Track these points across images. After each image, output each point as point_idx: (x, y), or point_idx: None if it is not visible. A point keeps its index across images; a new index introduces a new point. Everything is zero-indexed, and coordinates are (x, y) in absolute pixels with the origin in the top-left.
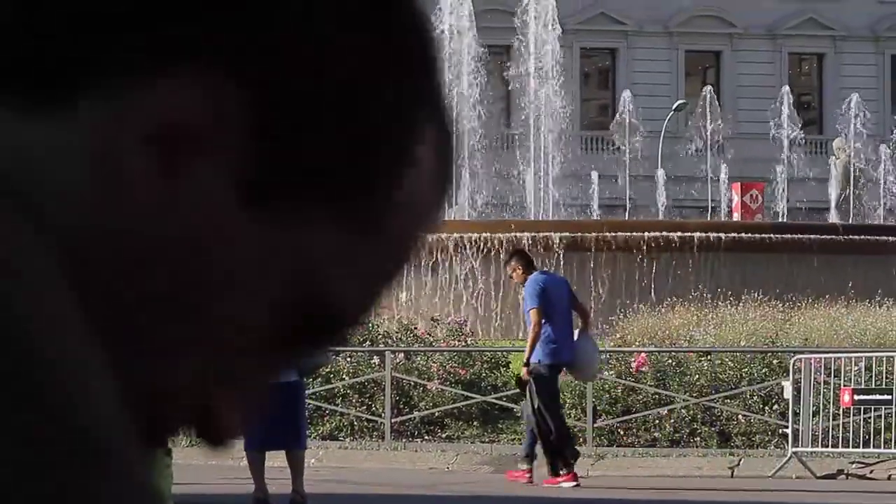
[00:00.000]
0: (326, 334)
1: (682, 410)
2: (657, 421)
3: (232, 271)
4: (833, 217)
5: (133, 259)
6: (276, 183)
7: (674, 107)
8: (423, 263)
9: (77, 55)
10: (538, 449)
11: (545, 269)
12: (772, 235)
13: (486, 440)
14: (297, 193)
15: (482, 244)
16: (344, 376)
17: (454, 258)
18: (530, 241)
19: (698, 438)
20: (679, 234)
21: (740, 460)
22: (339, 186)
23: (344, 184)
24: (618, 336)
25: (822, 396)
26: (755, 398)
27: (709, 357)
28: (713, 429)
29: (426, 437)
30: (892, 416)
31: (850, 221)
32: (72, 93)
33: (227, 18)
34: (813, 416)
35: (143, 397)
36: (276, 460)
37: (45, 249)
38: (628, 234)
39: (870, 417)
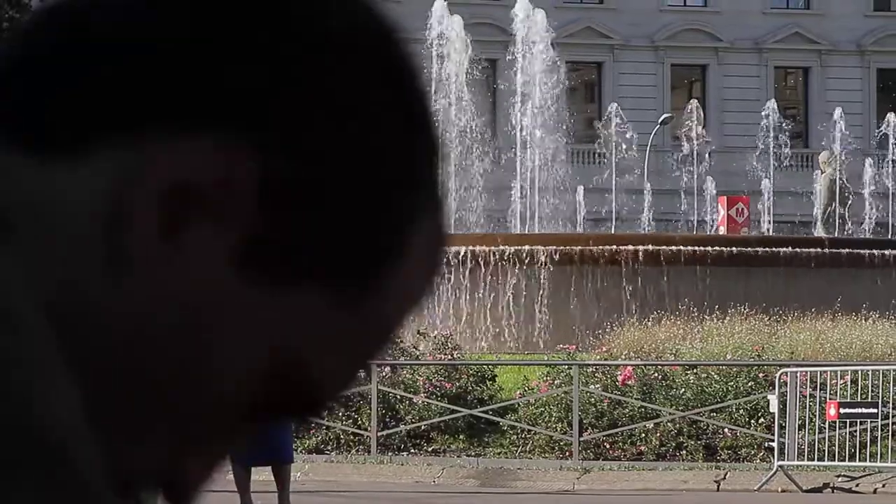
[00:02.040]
0: (301, 406)
1: (669, 424)
2: (643, 434)
3: (218, 333)
4: (819, 231)
5: (122, 314)
6: (271, 249)
7: (660, 120)
8: None
9: (96, 107)
10: None
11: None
12: (758, 249)
13: (473, 454)
14: (291, 261)
15: (468, 258)
16: None
17: None
18: (516, 255)
19: (684, 452)
20: (665, 247)
21: (726, 474)
22: (332, 259)
23: (338, 257)
24: (604, 349)
25: (807, 410)
26: (741, 412)
27: (695, 371)
28: (699, 442)
29: (412, 451)
30: (877, 430)
31: (836, 235)
32: (86, 143)
33: (250, 89)
34: (799, 430)
35: (114, 456)
36: (261, 474)
37: (34, 297)
38: (614, 247)
39: (855, 431)
